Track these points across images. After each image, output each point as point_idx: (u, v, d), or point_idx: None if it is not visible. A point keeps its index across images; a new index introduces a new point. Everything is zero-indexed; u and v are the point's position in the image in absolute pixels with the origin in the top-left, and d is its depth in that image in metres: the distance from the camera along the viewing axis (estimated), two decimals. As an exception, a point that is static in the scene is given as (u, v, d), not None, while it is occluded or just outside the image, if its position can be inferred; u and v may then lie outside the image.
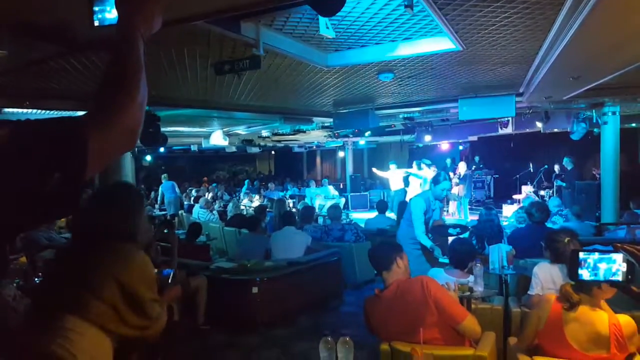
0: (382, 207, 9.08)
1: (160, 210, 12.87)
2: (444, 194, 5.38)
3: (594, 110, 8.07)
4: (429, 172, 11.84)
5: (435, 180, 5.26)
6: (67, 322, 1.63)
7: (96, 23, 1.24)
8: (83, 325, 1.65)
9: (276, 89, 6.21)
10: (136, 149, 15.20)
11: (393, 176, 12.72)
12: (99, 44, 3.28)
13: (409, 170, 12.32)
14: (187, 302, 4.99)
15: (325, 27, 3.42)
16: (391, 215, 10.41)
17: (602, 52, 4.23)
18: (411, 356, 2.44)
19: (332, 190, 14.87)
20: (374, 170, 14.09)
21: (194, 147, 14.09)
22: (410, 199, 5.56)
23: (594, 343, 2.53)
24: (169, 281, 2.15)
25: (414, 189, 11.86)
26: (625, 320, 2.57)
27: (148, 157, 18.95)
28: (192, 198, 13.07)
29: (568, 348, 2.56)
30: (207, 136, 10.72)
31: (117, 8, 1.10)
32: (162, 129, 7.17)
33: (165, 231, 6.57)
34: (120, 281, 1.73)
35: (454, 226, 5.92)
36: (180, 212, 11.87)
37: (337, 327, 5.23)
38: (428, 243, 5.03)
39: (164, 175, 13.52)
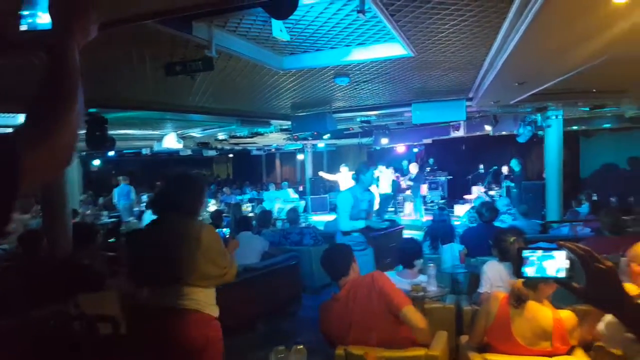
0: (339, 210, 9.12)
1: (111, 217, 12.43)
2: (374, 182, 5.43)
3: (538, 114, 8.42)
4: (388, 174, 12.10)
5: (359, 171, 5.25)
6: (181, 289, 2.49)
7: (24, 27, 1.17)
8: (190, 288, 2.52)
9: (232, 91, 6.14)
10: (84, 153, 14.64)
11: (342, 178, 12.84)
12: (30, 47, 3.13)
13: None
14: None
15: (279, 30, 3.41)
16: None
17: (545, 59, 4.43)
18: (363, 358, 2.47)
19: (291, 193, 14.85)
20: (321, 174, 14.17)
21: (145, 151, 13.66)
22: (338, 196, 5.61)
23: (538, 337, 2.65)
24: (227, 237, 2.97)
25: None
26: (567, 315, 2.70)
27: (96, 162, 18.26)
28: (143, 204, 12.66)
29: (515, 344, 2.66)
30: (160, 139, 10.44)
31: (50, 14, 1.03)
32: (111, 132, 6.93)
33: (112, 240, 6.36)
34: (202, 251, 2.52)
35: (384, 221, 6.06)
36: (130, 218, 11.49)
37: (296, 332, 5.20)
38: (350, 226, 5.00)
39: (121, 178, 13.04)
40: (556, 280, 1.30)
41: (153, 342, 2.48)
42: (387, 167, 12.91)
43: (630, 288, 2.38)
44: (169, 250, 2.53)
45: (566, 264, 1.28)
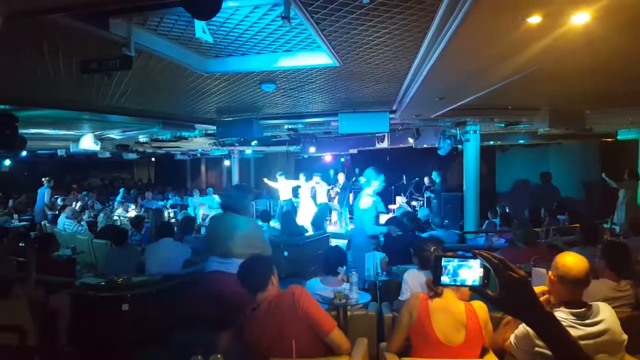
0: (266, 217, 9.04)
1: (21, 220, 11.56)
2: (382, 186, 5.74)
3: (458, 129, 8.85)
4: (323, 184, 12.25)
5: (371, 177, 5.62)
6: (233, 260, 3.69)
7: None
8: (239, 260, 3.27)
9: (153, 92, 5.88)
10: (-7, 152, 13.50)
11: (282, 186, 12.83)
12: None
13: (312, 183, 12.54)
14: (47, 323, 4.47)
15: (202, 31, 3.31)
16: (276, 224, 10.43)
17: (464, 76, 4.65)
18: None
19: (217, 199, 14.53)
20: (265, 180, 14.12)
21: (61, 152, 12.80)
22: (357, 201, 5.73)
23: (454, 331, 2.74)
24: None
25: (304, 199, 12.15)
26: (478, 304, 2.83)
27: (7, 162, 16.87)
28: (58, 208, 11.88)
29: (436, 342, 2.73)
30: (77, 140, 9.80)
31: None
32: (22, 131, 6.42)
33: (22, 244, 5.88)
34: (248, 237, 3.89)
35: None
36: (43, 222, 10.72)
37: (214, 343, 5.02)
38: (383, 228, 5.55)
39: (45, 179, 12.23)
40: (471, 287, 1.33)
41: (215, 295, 3.81)
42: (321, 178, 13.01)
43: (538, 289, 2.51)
44: (227, 235, 3.88)
45: (481, 272, 1.31)
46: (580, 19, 2.85)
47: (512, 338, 2.61)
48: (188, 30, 3.63)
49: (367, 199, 5.54)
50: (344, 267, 4.14)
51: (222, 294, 3.68)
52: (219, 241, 3.92)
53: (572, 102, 6.68)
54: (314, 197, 12.49)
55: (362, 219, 5.51)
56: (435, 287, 2.82)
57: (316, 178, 12.58)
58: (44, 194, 12.11)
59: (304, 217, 11.03)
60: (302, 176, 12.56)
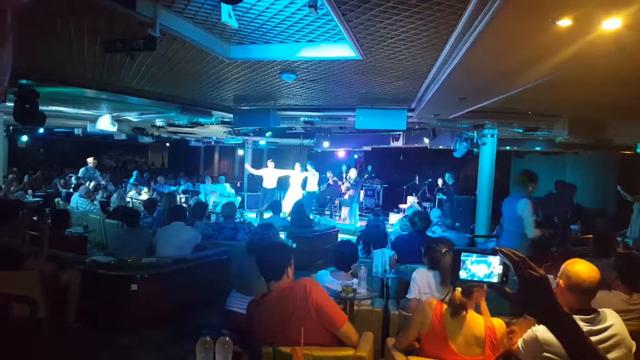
0: (276, 207, 9.04)
1: (35, 196, 11.72)
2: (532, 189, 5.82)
3: (475, 132, 8.77)
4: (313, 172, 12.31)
5: (528, 181, 5.61)
6: None
7: None
8: None
9: (174, 76, 5.90)
10: (11, 128, 13.71)
11: (269, 174, 12.80)
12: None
13: (305, 173, 12.55)
14: (56, 298, 4.53)
15: (228, 15, 3.31)
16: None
17: (488, 76, 4.59)
18: (291, 357, 2.42)
19: (228, 187, 14.58)
20: (247, 166, 14.07)
21: (77, 131, 12.94)
22: (519, 203, 5.57)
23: (471, 345, 2.70)
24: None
25: (294, 189, 12.20)
26: (498, 323, 2.78)
27: (24, 138, 17.09)
28: (72, 186, 12.01)
29: (449, 351, 2.70)
30: (94, 120, 9.88)
31: None
32: (41, 107, 6.49)
33: (35, 219, 5.96)
34: None
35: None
36: (56, 200, 10.86)
37: (221, 327, 5.05)
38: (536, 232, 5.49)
39: (89, 159, 12.53)
40: (489, 284, 1.31)
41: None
42: (315, 169, 13.05)
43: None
44: (252, 273, 3.71)
45: (500, 269, 1.29)
46: (611, 24, 2.79)
47: (520, 342, 2.57)
48: (214, 15, 3.63)
49: (526, 202, 5.48)
50: (357, 264, 4.13)
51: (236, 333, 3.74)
52: (245, 278, 4.05)
53: (595, 111, 6.58)
54: (304, 186, 12.61)
55: (521, 221, 5.47)
56: (461, 304, 2.74)
57: (309, 167, 12.68)
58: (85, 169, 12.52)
59: (291, 205, 11.05)
60: (297, 166, 12.63)
